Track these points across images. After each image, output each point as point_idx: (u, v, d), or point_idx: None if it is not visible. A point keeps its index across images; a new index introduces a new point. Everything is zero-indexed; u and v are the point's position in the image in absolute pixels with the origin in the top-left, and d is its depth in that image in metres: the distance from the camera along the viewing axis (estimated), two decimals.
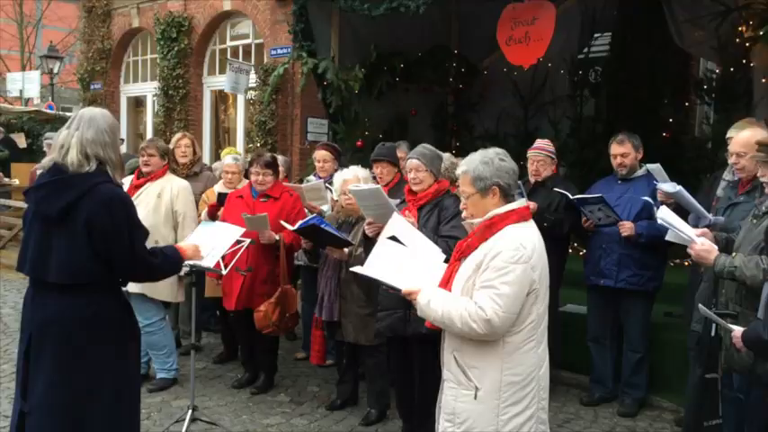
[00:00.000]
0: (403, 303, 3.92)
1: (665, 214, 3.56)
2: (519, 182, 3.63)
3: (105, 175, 3.01)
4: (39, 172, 7.09)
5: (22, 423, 3.02)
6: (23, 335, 3.06)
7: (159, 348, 5.33)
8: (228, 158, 6.22)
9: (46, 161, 3.08)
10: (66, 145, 2.99)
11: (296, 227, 4.66)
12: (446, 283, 2.90)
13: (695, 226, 4.26)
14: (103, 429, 3.03)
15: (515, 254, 2.68)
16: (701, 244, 3.35)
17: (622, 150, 5.04)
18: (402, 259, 3.11)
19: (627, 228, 4.85)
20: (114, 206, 2.95)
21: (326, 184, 5.49)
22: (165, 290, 5.12)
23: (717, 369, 3.29)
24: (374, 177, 5.02)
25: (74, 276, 2.94)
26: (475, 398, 2.75)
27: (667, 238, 3.88)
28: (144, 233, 3.15)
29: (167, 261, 3.28)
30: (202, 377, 5.60)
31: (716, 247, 3.33)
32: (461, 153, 6.26)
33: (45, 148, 7.46)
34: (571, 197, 4.96)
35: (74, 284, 2.95)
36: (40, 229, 3.00)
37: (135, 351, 3.29)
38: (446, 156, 4.71)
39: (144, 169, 5.26)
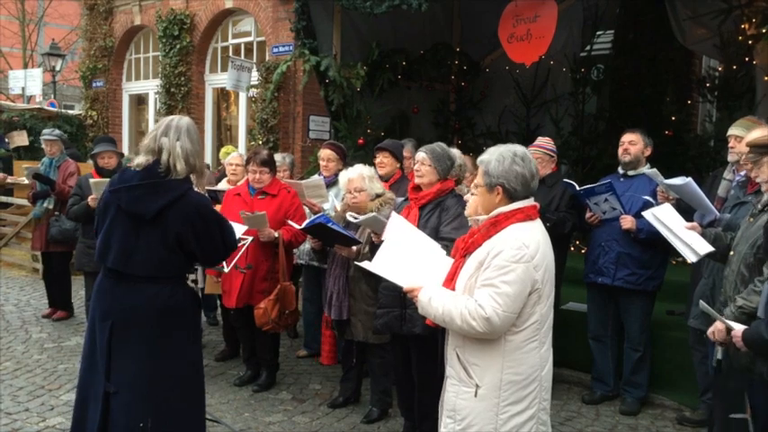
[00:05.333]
0: (399, 302, 3.95)
1: (662, 213, 3.51)
2: None
3: (190, 182, 3.30)
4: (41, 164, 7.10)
5: (107, 402, 3.26)
6: (105, 323, 3.27)
7: None
8: (234, 153, 6.36)
9: (141, 159, 3.26)
10: (172, 153, 3.22)
11: (303, 226, 4.65)
12: (451, 279, 2.89)
13: (700, 223, 4.26)
14: (180, 406, 3.35)
15: (517, 253, 2.66)
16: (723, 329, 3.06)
17: (631, 138, 5.04)
18: (408, 257, 3.11)
19: (628, 221, 4.84)
20: (205, 212, 3.29)
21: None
22: None
23: (744, 409, 3.11)
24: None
25: (159, 270, 3.24)
26: (475, 395, 2.75)
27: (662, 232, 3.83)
28: (230, 226, 3.48)
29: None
30: (204, 375, 5.59)
31: (737, 326, 3.02)
32: (463, 151, 6.27)
33: (44, 145, 7.30)
34: (578, 188, 4.94)
35: (157, 276, 3.24)
36: (128, 225, 3.23)
37: (200, 336, 3.72)
38: (456, 153, 4.66)
39: None
